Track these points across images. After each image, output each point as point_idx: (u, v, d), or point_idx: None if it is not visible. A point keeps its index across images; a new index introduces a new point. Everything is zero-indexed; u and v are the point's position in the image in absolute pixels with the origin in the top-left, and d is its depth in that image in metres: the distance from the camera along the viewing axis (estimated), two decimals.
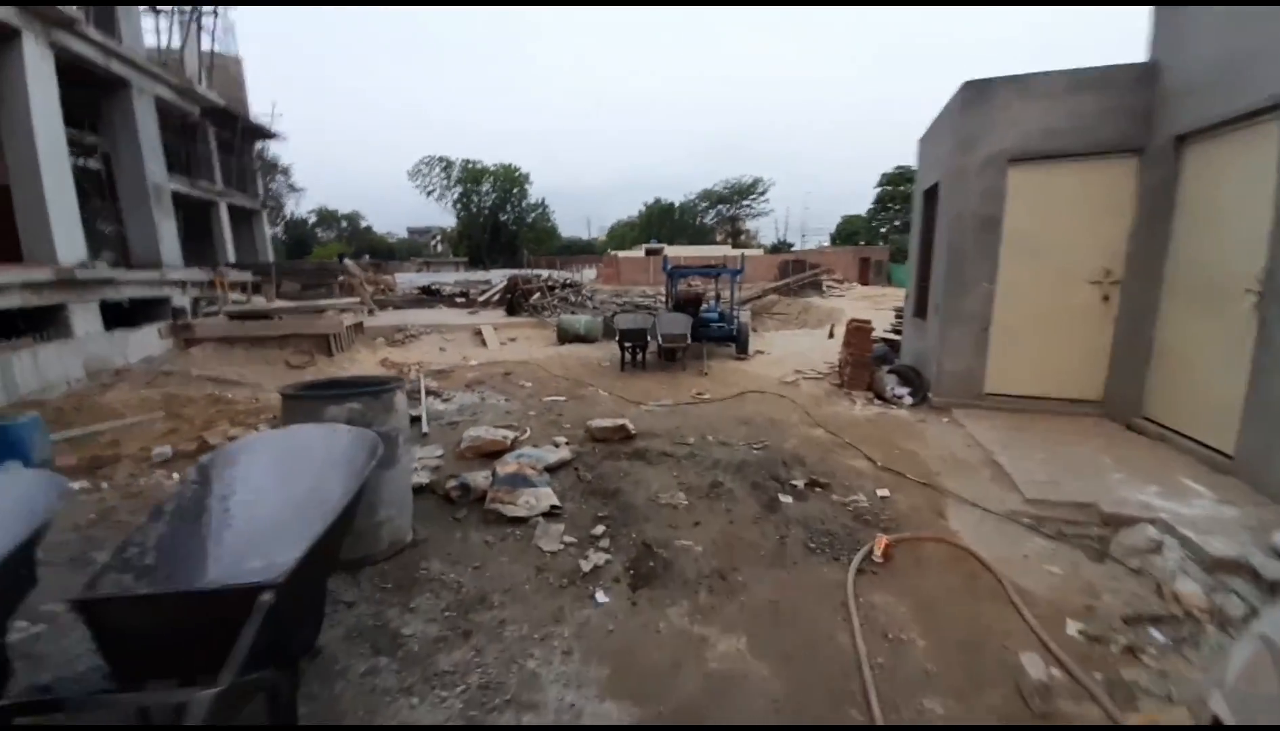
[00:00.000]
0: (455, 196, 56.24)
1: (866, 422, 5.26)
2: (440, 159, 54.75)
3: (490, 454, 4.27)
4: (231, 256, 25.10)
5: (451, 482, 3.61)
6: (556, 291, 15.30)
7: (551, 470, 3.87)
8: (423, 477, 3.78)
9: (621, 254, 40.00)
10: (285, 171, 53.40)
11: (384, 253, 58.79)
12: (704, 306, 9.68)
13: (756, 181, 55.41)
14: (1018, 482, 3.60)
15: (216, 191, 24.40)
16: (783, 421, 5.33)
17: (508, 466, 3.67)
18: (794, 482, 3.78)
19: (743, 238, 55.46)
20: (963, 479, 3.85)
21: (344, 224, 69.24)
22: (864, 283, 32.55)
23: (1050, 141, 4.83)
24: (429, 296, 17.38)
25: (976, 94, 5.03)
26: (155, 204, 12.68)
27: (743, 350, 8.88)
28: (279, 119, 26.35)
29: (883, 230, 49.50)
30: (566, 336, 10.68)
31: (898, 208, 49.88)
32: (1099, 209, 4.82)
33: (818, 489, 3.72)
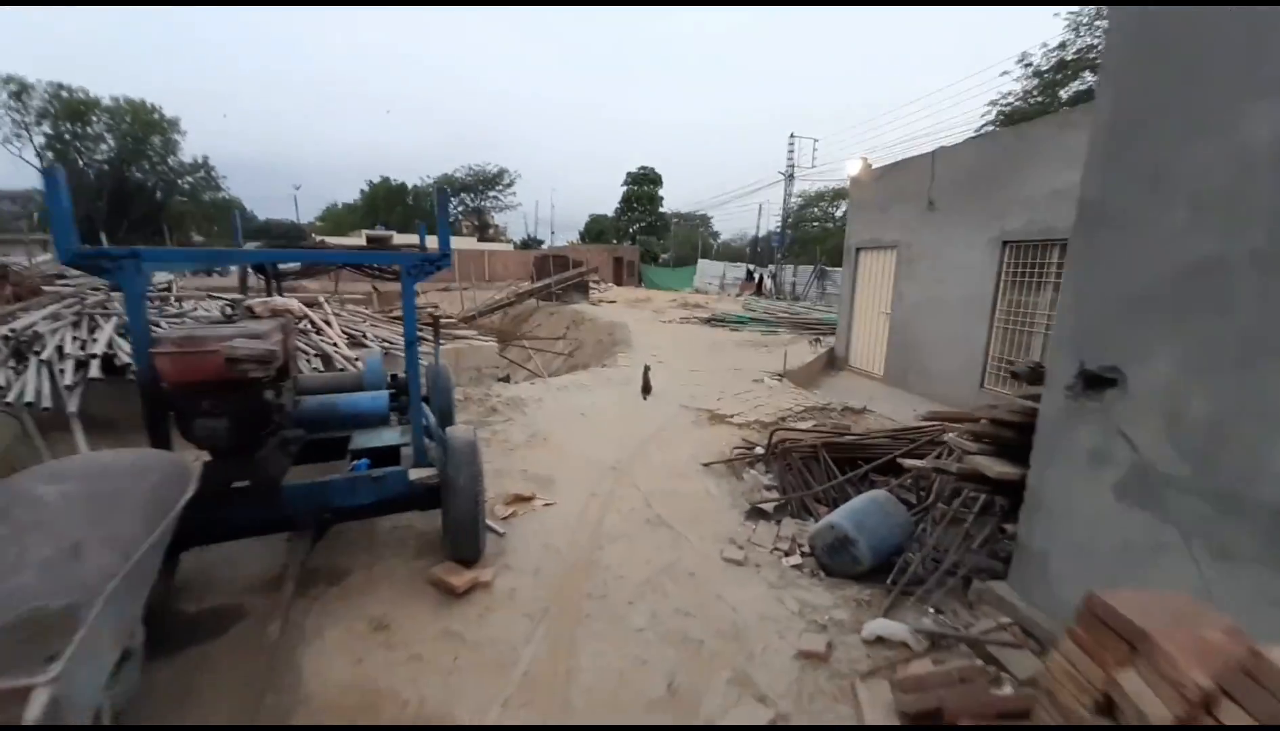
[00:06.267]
0: (41, 141, 36.56)
1: None
2: (7, 79, 34.47)
3: None
4: None
5: None
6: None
7: None
8: None
9: (332, 241, 30.15)
10: None
11: None
12: (284, 402, 2.91)
13: (503, 171, 49.78)
14: None
15: None
16: None
17: None
18: None
19: (491, 231, 49.69)
20: None
21: None
22: (619, 283, 31.50)
23: None
24: None
25: None
26: None
27: (468, 550, 2.94)
28: None
29: (631, 230, 49.67)
30: None
31: (642, 209, 50.47)
32: None
33: None
